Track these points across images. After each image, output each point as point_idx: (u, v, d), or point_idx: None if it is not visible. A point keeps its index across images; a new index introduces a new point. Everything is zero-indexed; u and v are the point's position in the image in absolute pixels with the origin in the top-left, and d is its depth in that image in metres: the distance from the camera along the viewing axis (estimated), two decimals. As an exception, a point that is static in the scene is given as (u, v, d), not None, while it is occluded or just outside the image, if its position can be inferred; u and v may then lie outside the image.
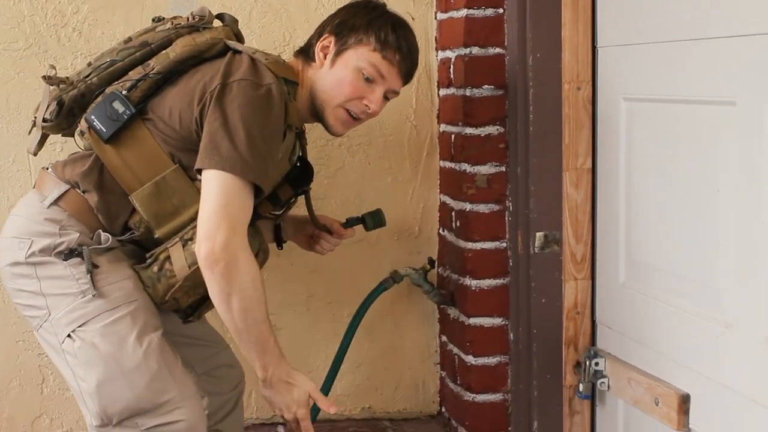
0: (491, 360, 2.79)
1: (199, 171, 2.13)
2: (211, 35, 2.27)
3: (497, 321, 2.77)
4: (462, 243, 2.78)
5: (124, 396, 2.13)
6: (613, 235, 2.51)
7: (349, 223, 2.68)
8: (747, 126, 1.97)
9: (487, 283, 2.76)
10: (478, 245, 2.74)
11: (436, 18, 2.95)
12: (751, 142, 1.95)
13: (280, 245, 2.61)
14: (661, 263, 2.31)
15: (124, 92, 2.20)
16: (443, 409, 3.11)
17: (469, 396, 2.82)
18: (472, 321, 2.78)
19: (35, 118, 2.32)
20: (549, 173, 2.59)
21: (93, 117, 2.20)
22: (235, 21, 2.39)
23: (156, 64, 2.23)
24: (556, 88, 2.56)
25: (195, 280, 2.14)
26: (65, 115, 2.28)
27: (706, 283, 2.13)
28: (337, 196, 2.98)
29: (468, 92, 2.69)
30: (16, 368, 2.90)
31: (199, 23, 2.29)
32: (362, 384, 3.11)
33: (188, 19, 2.30)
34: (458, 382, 2.90)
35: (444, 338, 3.05)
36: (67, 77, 2.29)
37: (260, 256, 2.24)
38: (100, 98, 2.23)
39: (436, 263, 3.01)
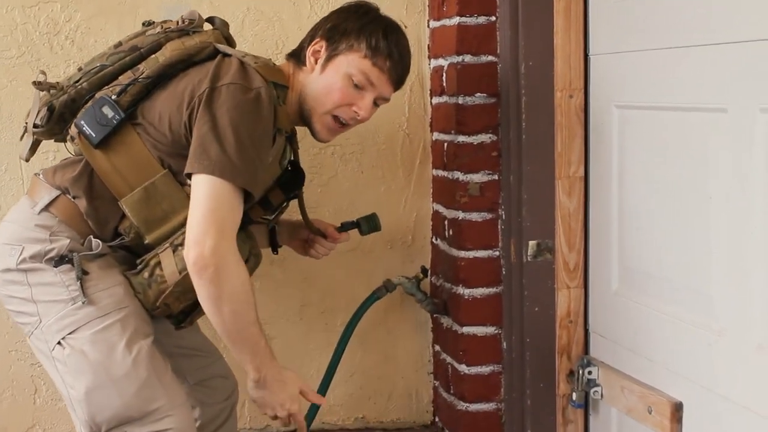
0: (484, 369, 2.78)
1: (189, 176, 2.12)
2: (200, 39, 2.27)
3: (490, 330, 2.77)
4: (455, 252, 2.78)
5: (112, 404, 2.12)
6: (605, 243, 2.51)
7: (344, 227, 2.67)
8: (738, 133, 1.97)
9: (480, 291, 2.75)
10: (471, 254, 2.74)
11: (428, 26, 2.95)
12: (742, 148, 1.96)
13: (275, 250, 2.60)
14: (654, 271, 2.31)
15: (113, 97, 2.19)
16: (437, 419, 3.10)
17: (462, 405, 2.81)
18: (465, 330, 2.77)
19: (26, 123, 2.31)
20: (542, 181, 2.59)
21: (82, 122, 2.20)
22: (226, 24, 2.38)
23: (146, 68, 2.22)
24: (549, 96, 2.56)
25: (185, 285, 2.13)
26: (56, 120, 2.28)
27: (698, 291, 2.13)
28: (329, 204, 2.98)
29: (460, 100, 2.69)
30: (8, 378, 2.89)
31: (189, 27, 2.29)
32: (355, 393, 3.10)
33: (178, 23, 2.30)
34: (451, 391, 2.89)
35: (437, 347, 3.04)
36: (58, 82, 2.29)
37: (251, 260, 2.24)
38: (90, 103, 2.22)
39: (429, 272, 3.00)
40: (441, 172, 2.90)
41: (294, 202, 2.49)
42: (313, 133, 2.35)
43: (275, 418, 2.24)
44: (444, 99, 2.83)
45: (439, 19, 2.85)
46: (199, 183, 2.08)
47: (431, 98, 2.97)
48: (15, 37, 2.76)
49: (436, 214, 2.99)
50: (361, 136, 2.94)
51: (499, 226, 2.73)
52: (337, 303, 3.02)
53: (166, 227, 2.18)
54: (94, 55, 2.35)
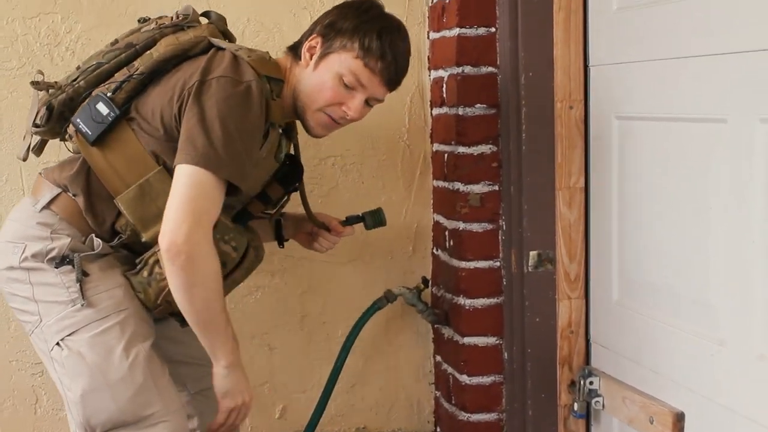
0: (486, 379, 2.78)
1: None
2: (195, 33, 2.26)
3: (491, 340, 2.77)
4: (455, 262, 2.78)
5: (107, 407, 2.13)
6: (606, 253, 2.51)
7: (349, 221, 2.65)
8: (738, 143, 1.97)
9: (480, 302, 2.75)
10: (472, 264, 2.74)
11: (428, 37, 2.95)
12: (742, 159, 1.96)
13: (281, 243, 2.60)
14: (655, 281, 2.31)
15: (108, 94, 2.19)
16: (438, 429, 3.10)
17: (463, 416, 2.81)
18: (467, 340, 2.77)
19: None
20: (542, 192, 2.60)
21: (78, 120, 2.20)
22: (222, 19, 2.37)
23: (140, 64, 2.22)
24: (549, 106, 2.57)
25: None
26: (56, 119, 2.28)
27: (699, 301, 2.13)
28: (330, 215, 2.97)
29: (461, 111, 2.69)
30: (9, 388, 2.88)
31: (183, 22, 2.28)
32: (357, 404, 3.10)
33: (172, 18, 2.30)
34: (453, 401, 2.89)
35: (438, 358, 3.04)
36: (56, 81, 2.30)
37: (251, 253, 2.24)
38: (86, 101, 2.23)
39: (430, 282, 3.00)
40: (441, 183, 2.90)
41: (297, 196, 2.48)
42: (307, 129, 2.33)
43: (230, 414, 2.24)
44: (444, 110, 2.83)
45: (438, 31, 2.85)
46: (181, 172, 2.07)
47: (431, 109, 2.97)
48: (15, 48, 2.76)
49: (436, 224, 2.99)
50: (362, 146, 2.95)
51: (499, 237, 2.73)
52: (338, 313, 3.02)
53: (162, 225, 2.15)
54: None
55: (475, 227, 2.73)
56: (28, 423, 2.91)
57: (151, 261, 2.18)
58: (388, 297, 2.92)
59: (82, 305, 2.15)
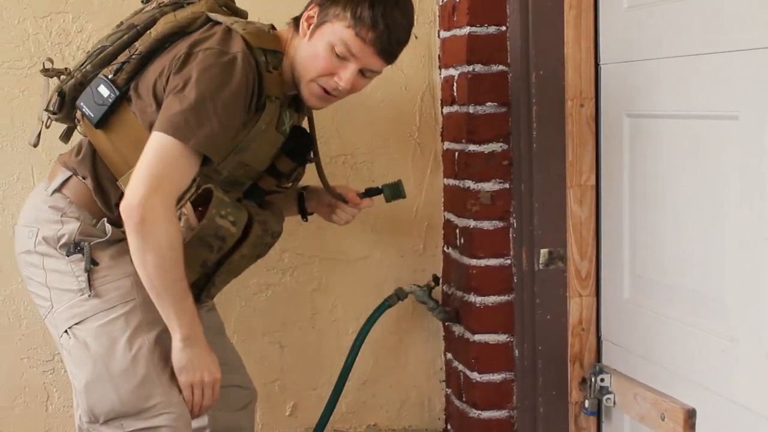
0: (496, 377, 2.79)
1: None
2: (193, 9, 2.26)
3: (502, 338, 2.77)
4: (466, 260, 2.78)
5: (110, 398, 2.16)
6: (617, 251, 2.51)
7: (368, 193, 2.59)
8: (750, 140, 1.97)
9: (491, 299, 2.76)
10: (483, 262, 2.74)
11: (439, 36, 2.96)
12: (754, 155, 1.96)
13: (304, 217, 2.58)
14: (666, 278, 2.31)
15: (110, 76, 2.21)
16: (449, 427, 3.10)
17: (474, 413, 2.81)
18: (477, 338, 2.77)
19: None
20: (553, 190, 2.60)
21: (82, 103, 2.23)
22: None
23: (140, 45, 2.23)
24: (560, 105, 2.57)
25: (187, 257, 2.13)
26: (69, 105, 2.30)
27: (711, 297, 2.14)
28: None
29: (471, 109, 2.70)
30: (20, 386, 2.90)
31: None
32: (367, 401, 3.10)
33: None
34: (463, 399, 2.89)
35: (449, 355, 3.04)
36: (66, 68, 2.33)
37: (256, 228, 2.23)
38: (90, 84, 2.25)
39: (441, 280, 3.01)
40: (452, 181, 2.91)
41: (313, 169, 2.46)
42: (304, 101, 2.29)
43: (192, 392, 2.20)
44: (455, 108, 2.83)
45: (449, 29, 2.86)
46: (152, 139, 2.07)
47: (442, 107, 2.98)
48: (27, 47, 2.77)
49: (447, 222, 2.99)
50: (372, 145, 2.96)
51: (510, 235, 2.73)
52: (349, 311, 3.03)
53: None
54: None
55: (486, 225, 2.73)
56: (39, 420, 2.92)
57: None
58: (399, 295, 2.93)
59: (90, 295, 2.17)
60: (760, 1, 1.93)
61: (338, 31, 2.18)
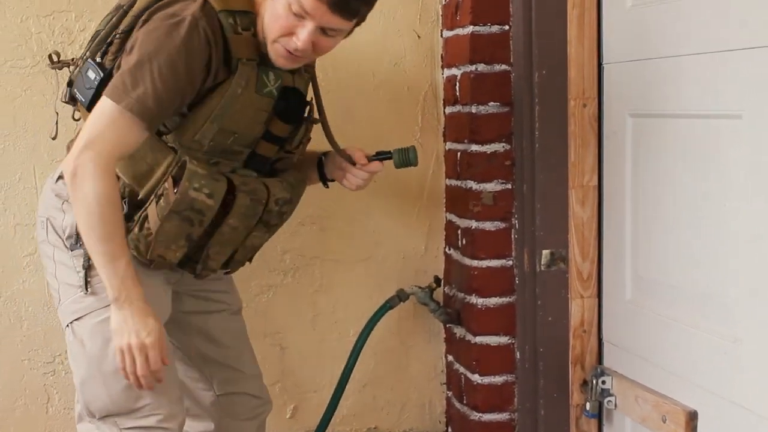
0: (497, 379, 2.77)
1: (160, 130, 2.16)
2: None
3: (503, 339, 2.76)
4: (468, 261, 2.77)
5: (102, 397, 2.18)
6: (619, 252, 2.50)
7: (378, 156, 2.45)
8: (754, 139, 1.96)
9: (493, 301, 2.74)
10: (484, 263, 2.73)
11: (441, 36, 2.95)
12: (758, 154, 1.95)
13: (325, 183, 2.49)
14: (668, 279, 2.30)
15: (97, 59, 2.21)
16: (450, 429, 3.09)
17: (475, 415, 2.80)
18: (478, 339, 2.76)
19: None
20: (555, 190, 2.59)
21: (76, 89, 2.24)
22: None
23: (123, 24, 2.22)
24: (562, 104, 2.56)
25: (168, 233, 2.13)
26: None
27: (713, 299, 2.12)
28: (343, 213, 2.98)
29: (474, 109, 2.69)
30: (21, 387, 2.89)
31: None
32: (368, 404, 3.09)
33: None
34: (464, 401, 2.88)
35: (450, 357, 3.03)
36: (73, 58, 2.34)
37: (241, 198, 2.18)
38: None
39: (442, 282, 3.00)
40: (454, 182, 2.90)
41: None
42: (272, 61, 2.20)
43: (121, 356, 2.12)
44: (457, 108, 2.83)
45: (452, 29, 2.85)
46: (98, 103, 2.10)
47: (444, 107, 2.97)
48: (29, 46, 2.77)
49: (449, 223, 2.98)
50: (374, 144, 2.93)
51: (512, 236, 2.72)
52: (350, 313, 3.02)
53: (153, 180, 2.16)
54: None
55: (488, 226, 2.72)
56: (39, 422, 2.91)
57: (141, 217, 2.17)
58: (401, 296, 2.92)
59: (87, 293, 2.17)
60: (764, 0, 1.92)
61: None
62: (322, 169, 2.46)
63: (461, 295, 2.84)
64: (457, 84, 2.80)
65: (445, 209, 3.01)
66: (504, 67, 2.68)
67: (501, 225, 2.72)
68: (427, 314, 2.98)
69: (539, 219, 2.60)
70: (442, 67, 2.96)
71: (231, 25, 2.12)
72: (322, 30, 2.12)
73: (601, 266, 2.60)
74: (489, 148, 2.69)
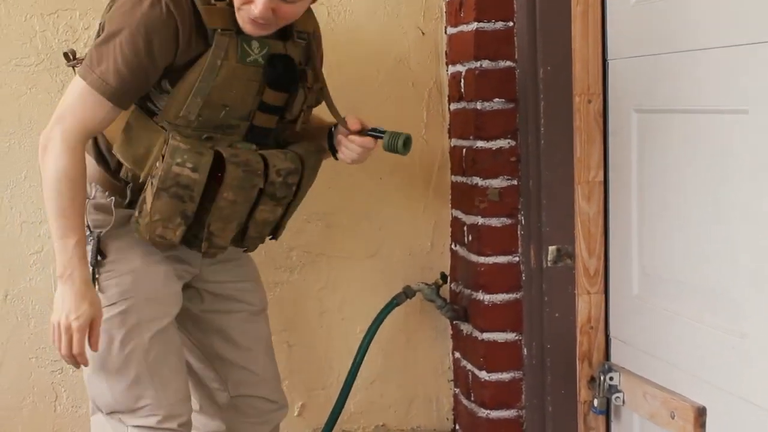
0: (505, 376, 2.77)
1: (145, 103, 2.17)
2: None
3: (510, 336, 2.75)
4: (474, 257, 2.77)
5: (105, 395, 2.21)
6: (626, 248, 2.49)
7: (372, 131, 2.33)
8: (760, 134, 1.95)
9: (499, 297, 2.74)
10: (491, 259, 2.73)
11: (446, 32, 2.95)
12: (764, 149, 1.94)
13: (335, 155, 2.42)
14: (675, 275, 2.29)
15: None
16: (457, 426, 3.09)
17: (483, 412, 2.80)
18: (485, 336, 2.76)
19: None
20: (561, 186, 2.58)
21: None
22: None
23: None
24: (567, 100, 2.55)
25: (161, 211, 2.13)
26: None
27: (721, 294, 2.12)
28: (347, 211, 2.97)
29: (479, 106, 2.69)
30: (29, 386, 2.89)
31: None
32: (376, 401, 3.09)
33: None
34: (472, 398, 2.87)
35: (457, 354, 3.03)
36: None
37: (232, 171, 2.14)
38: None
39: (449, 278, 2.99)
40: (460, 178, 2.89)
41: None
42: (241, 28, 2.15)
43: (53, 331, 2.12)
44: (462, 105, 2.82)
45: (456, 26, 2.84)
46: None
47: (449, 104, 2.97)
48: (34, 44, 2.77)
49: (455, 220, 2.98)
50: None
51: (518, 232, 2.71)
52: (357, 310, 3.01)
53: (150, 161, 2.16)
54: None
55: (494, 222, 2.72)
56: (48, 420, 2.91)
57: (140, 200, 2.17)
58: (407, 293, 2.92)
59: (96, 288, 2.18)
60: (769, -6, 1.91)
61: None
62: (332, 140, 2.39)
63: (468, 291, 2.84)
64: (462, 80, 2.80)
65: (450, 205, 3.01)
66: (509, 63, 2.67)
67: (507, 221, 2.71)
68: (434, 311, 2.98)
69: (545, 215, 2.60)
70: (447, 64, 2.96)
71: None
72: None
73: (607, 262, 2.59)
74: (494, 145, 2.69)
